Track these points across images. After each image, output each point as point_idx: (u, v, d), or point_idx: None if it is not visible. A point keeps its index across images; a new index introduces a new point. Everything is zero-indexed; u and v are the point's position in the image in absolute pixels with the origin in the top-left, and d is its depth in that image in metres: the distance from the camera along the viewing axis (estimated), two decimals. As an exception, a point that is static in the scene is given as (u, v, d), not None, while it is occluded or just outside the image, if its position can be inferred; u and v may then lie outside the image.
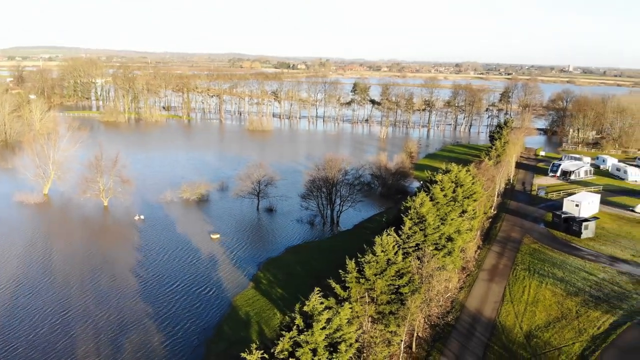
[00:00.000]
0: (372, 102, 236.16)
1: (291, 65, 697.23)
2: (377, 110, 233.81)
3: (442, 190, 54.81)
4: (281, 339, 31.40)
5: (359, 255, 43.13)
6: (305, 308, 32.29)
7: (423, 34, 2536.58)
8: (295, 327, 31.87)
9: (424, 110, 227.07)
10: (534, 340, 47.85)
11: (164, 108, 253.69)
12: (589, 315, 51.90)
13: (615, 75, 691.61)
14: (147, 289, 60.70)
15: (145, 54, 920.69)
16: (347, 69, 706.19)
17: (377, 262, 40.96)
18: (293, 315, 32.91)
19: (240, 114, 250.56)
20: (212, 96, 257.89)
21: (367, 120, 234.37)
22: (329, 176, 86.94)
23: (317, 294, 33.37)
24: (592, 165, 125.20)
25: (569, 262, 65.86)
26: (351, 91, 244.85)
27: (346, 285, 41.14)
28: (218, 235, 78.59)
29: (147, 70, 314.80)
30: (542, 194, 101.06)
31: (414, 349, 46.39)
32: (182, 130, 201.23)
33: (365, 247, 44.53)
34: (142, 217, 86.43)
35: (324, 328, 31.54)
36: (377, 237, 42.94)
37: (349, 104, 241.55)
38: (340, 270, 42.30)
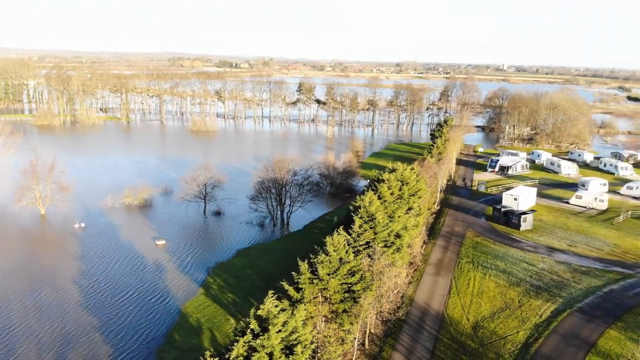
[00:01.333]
0: (318, 101, 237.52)
1: (234, 64, 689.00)
2: (323, 110, 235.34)
3: (389, 188, 55.90)
4: (236, 344, 31.00)
5: (311, 255, 43.26)
6: (260, 312, 32.04)
7: (364, 34, 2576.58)
8: (250, 331, 31.56)
9: (368, 109, 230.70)
10: (480, 331, 49.73)
11: (101, 110, 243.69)
12: (531, 305, 54.52)
13: (547, 73, 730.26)
14: (91, 300, 58.18)
15: (79, 53, 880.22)
16: (291, 68, 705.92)
17: (330, 262, 41.22)
18: (247, 320, 32.57)
19: (183, 115, 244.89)
20: (152, 96, 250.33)
21: (313, 120, 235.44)
22: (278, 177, 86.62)
23: (272, 297, 33.20)
24: (527, 160, 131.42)
25: (510, 254, 68.87)
26: (296, 91, 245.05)
27: (299, 286, 41.14)
28: (164, 241, 76.45)
29: (83, 70, 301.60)
30: (482, 188, 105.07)
31: (366, 346, 47.08)
32: (121, 133, 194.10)
33: (316, 247, 44.74)
34: (82, 225, 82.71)
35: (279, 331, 31.43)
36: (328, 237, 43.23)
37: (294, 103, 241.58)
38: (293, 272, 42.24)
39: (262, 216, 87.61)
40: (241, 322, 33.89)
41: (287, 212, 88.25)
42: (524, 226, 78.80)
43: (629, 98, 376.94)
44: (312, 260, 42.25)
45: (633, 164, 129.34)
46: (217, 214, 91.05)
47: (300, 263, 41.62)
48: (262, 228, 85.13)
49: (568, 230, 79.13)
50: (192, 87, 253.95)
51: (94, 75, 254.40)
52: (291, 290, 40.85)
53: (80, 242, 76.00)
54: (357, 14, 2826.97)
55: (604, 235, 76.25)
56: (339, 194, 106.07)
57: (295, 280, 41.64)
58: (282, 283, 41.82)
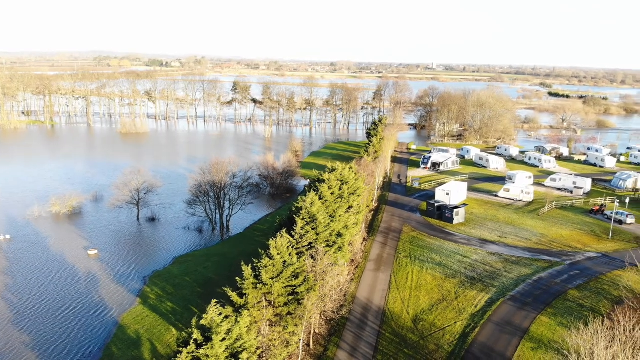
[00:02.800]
0: (254, 101, 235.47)
1: (164, 63, 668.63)
2: (260, 110, 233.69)
3: (329, 188, 56.44)
4: (179, 355, 30.19)
5: (254, 260, 42.84)
6: (203, 321, 31.37)
7: (298, 33, 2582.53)
8: (193, 341, 30.84)
9: (305, 109, 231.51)
10: (420, 324, 51.31)
11: (23, 113, 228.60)
12: (466, 295, 56.90)
13: (474, 71, 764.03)
14: (22, 317, 54.55)
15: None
16: (225, 66, 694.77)
17: (273, 266, 41.01)
18: (190, 330, 31.79)
19: (111, 117, 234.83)
20: (77, 98, 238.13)
21: (250, 120, 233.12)
22: (216, 180, 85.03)
23: (214, 305, 32.57)
24: (458, 156, 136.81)
25: (445, 247, 71.52)
26: (232, 90, 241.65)
27: (243, 292, 40.65)
28: (96, 251, 72.99)
29: (2, 71, 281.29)
30: (416, 185, 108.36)
31: (311, 346, 47.28)
32: (46, 137, 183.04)
33: (260, 251, 44.36)
34: (7, 236, 77.36)
35: (224, 339, 30.92)
36: (272, 240, 42.98)
37: (230, 103, 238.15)
38: (236, 278, 41.64)
39: (200, 221, 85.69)
40: (183, 333, 33.04)
41: (227, 216, 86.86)
42: (457, 220, 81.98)
43: (550, 94, 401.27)
44: (255, 265, 41.85)
45: (556, 157, 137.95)
46: (152, 220, 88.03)
47: (244, 268, 41.11)
48: (201, 233, 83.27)
49: (498, 222, 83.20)
50: (121, 88, 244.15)
51: (15, 77, 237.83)
52: (234, 297, 40.29)
53: (6, 254, 71.06)
54: (291, 12, 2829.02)
55: (531, 226, 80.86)
56: (280, 194, 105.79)
57: (239, 286, 41.11)
58: (225, 289, 41.14)
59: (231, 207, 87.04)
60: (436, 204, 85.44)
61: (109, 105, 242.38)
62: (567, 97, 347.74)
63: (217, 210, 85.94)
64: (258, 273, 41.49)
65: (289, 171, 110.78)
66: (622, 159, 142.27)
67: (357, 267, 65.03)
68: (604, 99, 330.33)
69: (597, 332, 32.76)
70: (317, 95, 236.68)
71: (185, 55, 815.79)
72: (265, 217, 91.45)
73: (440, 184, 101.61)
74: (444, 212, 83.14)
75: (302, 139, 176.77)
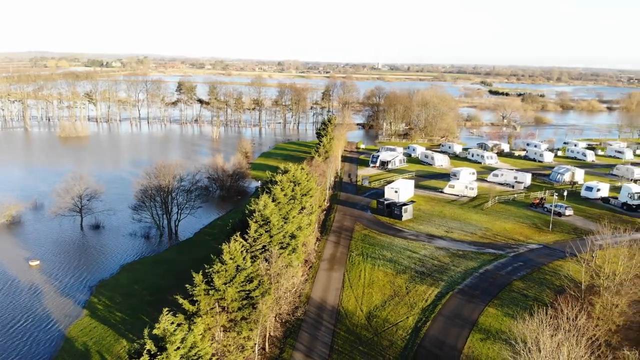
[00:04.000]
0: (200, 101, 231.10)
1: (105, 63, 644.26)
2: (207, 110, 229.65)
3: (282, 190, 56.31)
4: (131, 367, 29.32)
5: (205, 265, 42.13)
6: (156, 331, 30.58)
7: (245, 32, 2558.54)
8: (146, 352, 30.00)
9: (253, 109, 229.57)
10: (374, 320, 52.15)
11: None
12: (417, 290, 58.32)
13: (417, 71, 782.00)
14: (-49, 336, 51.13)
15: None
16: (168, 66, 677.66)
17: (226, 271, 40.47)
18: (142, 340, 30.90)
19: (50, 120, 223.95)
20: (13, 101, 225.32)
21: (196, 121, 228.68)
22: (163, 184, 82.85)
23: (166, 314, 31.80)
24: (405, 154, 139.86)
25: (395, 243, 72.99)
26: (176, 90, 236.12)
27: (194, 299, 39.89)
28: (38, 262, 69.45)
29: None
30: (366, 183, 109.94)
31: (267, 350, 47.03)
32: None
33: (213, 256, 43.63)
34: None
35: (178, 348, 30.26)
36: (225, 244, 42.39)
37: (175, 103, 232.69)
38: (187, 285, 40.79)
39: (147, 227, 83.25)
40: (135, 344, 32.07)
41: (175, 221, 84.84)
42: (406, 216, 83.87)
43: (490, 92, 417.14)
44: (207, 271, 41.16)
45: (497, 153, 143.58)
46: (96, 227, 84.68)
47: (194, 275, 40.33)
48: (148, 239, 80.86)
49: (444, 217, 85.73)
50: (59, 89, 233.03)
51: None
52: (186, 304, 39.47)
53: None
54: (237, 10, 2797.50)
55: (476, 220, 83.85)
56: (230, 197, 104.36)
57: (190, 293, 40.30)
58: (176, 297, 40.22)
59: (179, 211, 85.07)
60: (386, 202, 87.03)
61: (47, 108, 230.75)
62: (507, 94, 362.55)
63: (165, 216, 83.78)
64: (210, 279, 40.85)
65: (239, 173, 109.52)
66: (559, 153, 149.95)
67: (310, 267, 65.27)
68: (541, 96, 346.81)
69: (542, 321, 34.42)
70: (265, 95, 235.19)
71: (126, 55, 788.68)
72: (215, 220, 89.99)
73: (389, 182, 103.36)
74: (393, 210, 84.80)
75: (252, 140, 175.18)
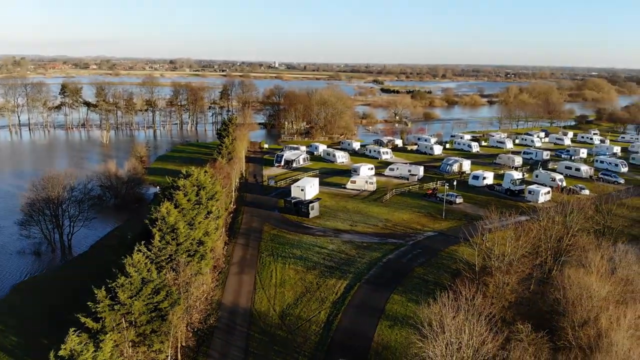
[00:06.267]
0: (87, 104, 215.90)
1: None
2: (94, 113, 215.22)
3: (185, 195, 54.62)
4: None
5: (108, 280, 39.80)
6: (62, 352, 28.51)
7: (133, 30, 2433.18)
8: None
9: (146, 110, 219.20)
10: (287, 319, 52.67)
11: None
12: (327, 284, 59.77)
13: (314, 70, 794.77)
14: None
15: None
16: (49, 67, 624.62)
17: (131, 284, 38.58)
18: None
19: None
20: None
21: (83, 125, 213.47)
22: (52, 195, 76.61)
23: (73, 334, 29.73)
24: (308, 152, 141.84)
25: (304, 241, 74.09)
26: (60, 93, 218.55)
27: (98, 316, 37.59)
28: None
29: None
30: (272, 183, 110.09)
31: (180, 361, 45.62)
32: None
33: (113, 269, 41.31)
34: None
35: (85, 370, 28.45)
36: (127, 256, 40.34)
37: (59, 107, 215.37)
38: (89, 302, 38.29)
39: (36, 242, 76.52)
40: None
41: (68, 234, 78.86)
42: (312, 213, 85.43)
43: (383, 90, 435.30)
44: (110, 285, 38.94)
45: (392, 149, 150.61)
46: (-23, 246, 76.36)
47: (95, 291, 37.97)
48: (39, 256, 74.35)
49: (348, 212, 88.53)
50: None
51: None
52: (89, 322, 37.10)
53: None
54: (123, 4, 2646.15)
55: (377, 213, 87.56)
56: (126, 205, 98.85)
57: (92, 310, 37.89)
58: (78, 315, 37.62)
59: (72, 224, 79.16)
60: (293, 201, 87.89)
61: None
62: (397, 92, 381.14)
63: (57, 229, 77.60)
64: (114, 293, 38.72)
65: (135, 179, 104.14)
66: (448, 146, 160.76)
67: (220, 272, 64.13)
68: (428, 92, 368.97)
69: (445, 305, 37.04)
70: (159, 95, 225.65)
71: (0, 56, 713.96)
72: (112, 231, 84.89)
73: (295, 181, 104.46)
74: (300, 208, 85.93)
75: (147, 143, 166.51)
